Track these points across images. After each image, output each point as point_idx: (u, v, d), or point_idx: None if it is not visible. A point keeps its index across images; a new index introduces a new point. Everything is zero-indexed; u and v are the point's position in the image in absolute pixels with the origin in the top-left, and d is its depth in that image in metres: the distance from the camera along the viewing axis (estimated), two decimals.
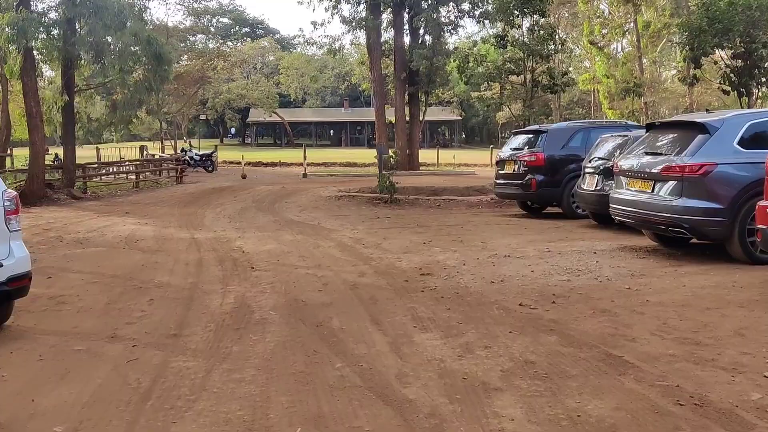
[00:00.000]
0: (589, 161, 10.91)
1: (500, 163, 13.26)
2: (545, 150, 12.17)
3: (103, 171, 20.47)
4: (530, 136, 12.93)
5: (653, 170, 7.83)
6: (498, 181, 13.24)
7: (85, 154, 29.66)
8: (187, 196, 16.91)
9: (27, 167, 15.60)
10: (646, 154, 8.27)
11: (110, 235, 10.46)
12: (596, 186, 10.44)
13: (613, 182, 9.87)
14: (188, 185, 20.51)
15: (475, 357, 4.35)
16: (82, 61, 15.60)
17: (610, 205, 8.65)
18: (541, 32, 15.99)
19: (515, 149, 12.92)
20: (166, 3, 30.20)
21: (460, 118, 68.48)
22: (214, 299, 6.12)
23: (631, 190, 8.25)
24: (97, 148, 28.32)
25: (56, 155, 34.50)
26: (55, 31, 14.51)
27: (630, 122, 14.76)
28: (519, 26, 16.37)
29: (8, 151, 28.79)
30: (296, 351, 4.57)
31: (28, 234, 10.46)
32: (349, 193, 17.12)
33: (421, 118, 27.69)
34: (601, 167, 10.44)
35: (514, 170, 12.60)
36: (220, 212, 13.65)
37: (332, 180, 23.92)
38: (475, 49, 19.21)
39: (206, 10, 78.11)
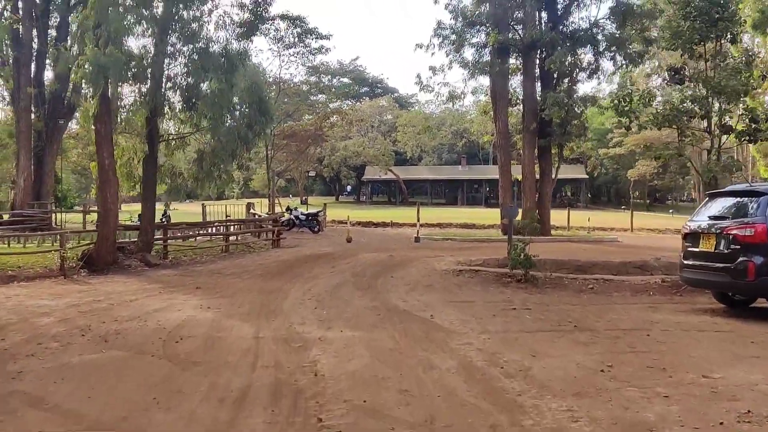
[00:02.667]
0: None
1: (691, 236, 9.39)
2: None
3: (188, 232, 18.46)
4: (739, 199, 9.04)
5: None
6: (688, 262, 9.35)
7: (192, 209, 28.65)
8: (277, 265, 14.30)
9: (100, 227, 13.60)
10: None
11: (153, 325, 7.80)
12: None
13: None
14: (284, 250, 18.02)
15: None
16: (170, 108, 13.71)
17: None
18: (729, 62, 12.11)
19: (716, 218, 9.05)
20: (280, 55, 28.77)
21: (586, 176, 63.46)
22: None
23: None
24: (202, 204, 27.08)
25: (165, 210, 33.96)
26: (139, 72, 12.70)
27: None
28: (701, 56, 12.55)
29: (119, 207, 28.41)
30: None
31: (55, 318, 8.12)
32: (470, 266, 13.77)
33: (553, 174, 23.98)
34: None
35: (715, 248, 8.73)
36: (308, 290, 10.78)
37: (449, 246, 20.67)
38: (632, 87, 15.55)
39: (327, 69, 79.95)
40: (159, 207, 25.56)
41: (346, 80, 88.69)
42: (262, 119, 13.57)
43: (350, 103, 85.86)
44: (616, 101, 12.68)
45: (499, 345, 6.82)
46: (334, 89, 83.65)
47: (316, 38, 27.39)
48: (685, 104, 12.46)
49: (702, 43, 12.21)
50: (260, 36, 26.96)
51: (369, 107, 77.84)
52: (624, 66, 24.36)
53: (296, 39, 27.50)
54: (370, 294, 10.51)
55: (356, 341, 6.99)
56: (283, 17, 26.49)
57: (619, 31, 22.91)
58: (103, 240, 13.31)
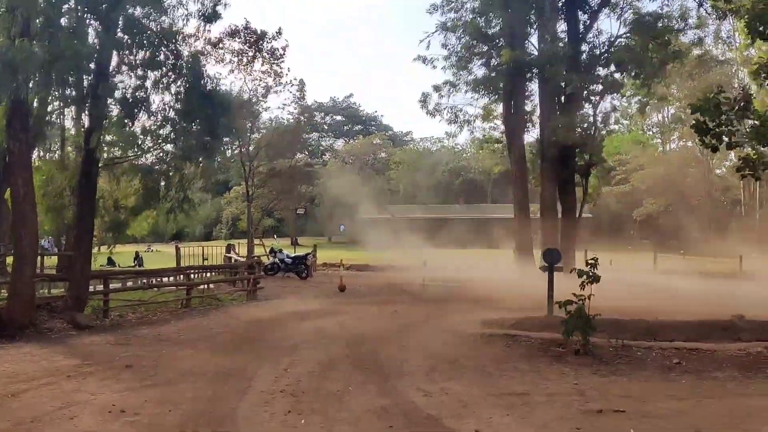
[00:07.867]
0: None
1: None
2: None
3: (131, 282, 15.04)
4: None
5: None
6: None
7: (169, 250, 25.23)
8: (247, 328, 10.94)
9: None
10: None
11: None
12: None
13: None
14: (261, 304, 14.62)
15: None
16: (113, 118, 10.53)
17: None
18: None
19: None
20: (251, 72, 26.62)
21: (590, 214, 60.65)
22: None
23: None
24: (176, 246, 23.74)
25: (137, 253, 30.11)
26: (65, 72, 9.55)
27: None
28: None
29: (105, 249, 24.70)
30: None
31: None
32: (502, 328, 10.50)
33: (577, 211, 20.90)
34: None
35: None
36: (282, 373, 7.45)
37: (462, 294, 17.40)
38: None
39: (320, 107, 77.86)
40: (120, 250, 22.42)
41: (339, 117, 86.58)
42: (215, 124, 10.39)
43: (342, 142, 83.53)
44: (700, 112, 9.38)
45: None
46: (326, 126, 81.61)
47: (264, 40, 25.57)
48: None
49: None
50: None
51: (362, 145, 75.33)
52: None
53: (253, 49, 25.50)
54: (374, 379, 7.20)
55: None
56: (229, 34, 24.35)
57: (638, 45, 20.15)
58: (15, 296, 10.00)
